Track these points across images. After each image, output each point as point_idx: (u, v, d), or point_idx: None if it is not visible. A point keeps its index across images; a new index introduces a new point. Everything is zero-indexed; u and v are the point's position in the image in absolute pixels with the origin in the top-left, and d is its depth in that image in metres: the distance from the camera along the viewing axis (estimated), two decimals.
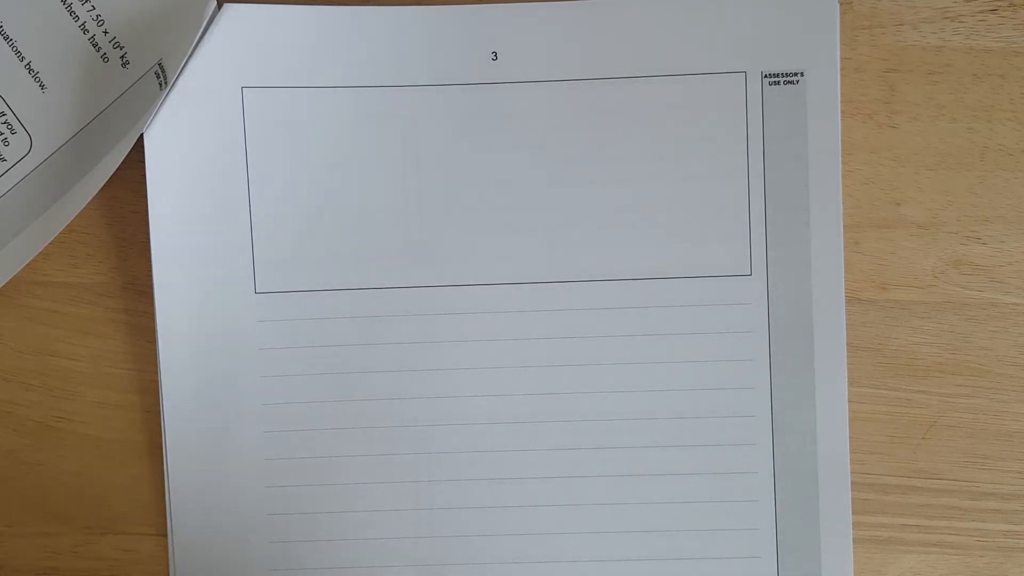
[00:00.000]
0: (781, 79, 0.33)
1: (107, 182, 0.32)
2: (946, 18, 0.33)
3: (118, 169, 0.32)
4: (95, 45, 0.32)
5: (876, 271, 0.34)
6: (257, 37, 0.32)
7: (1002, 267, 0.34)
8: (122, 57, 0.32)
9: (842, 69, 0.33)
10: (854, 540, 0.33)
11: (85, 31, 0.32)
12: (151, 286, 0.33)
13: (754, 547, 0.33)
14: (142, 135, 0.32)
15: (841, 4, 0.33)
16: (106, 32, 0.32)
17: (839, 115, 0.33)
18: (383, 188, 0.33)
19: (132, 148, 0.32)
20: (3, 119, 0.32)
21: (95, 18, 0.32)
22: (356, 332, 0.33)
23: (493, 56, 0.33)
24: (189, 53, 0.32)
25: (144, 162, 0.32)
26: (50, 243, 0.32)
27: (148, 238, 0.33)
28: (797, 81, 0.33)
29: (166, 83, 0.32)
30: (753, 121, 0.33)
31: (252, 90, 0.33)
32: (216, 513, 0.33)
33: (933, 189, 0.34)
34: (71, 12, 0.32)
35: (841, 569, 0.33)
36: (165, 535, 0.34)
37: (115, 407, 0.34)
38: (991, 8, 0.33)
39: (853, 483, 0.33)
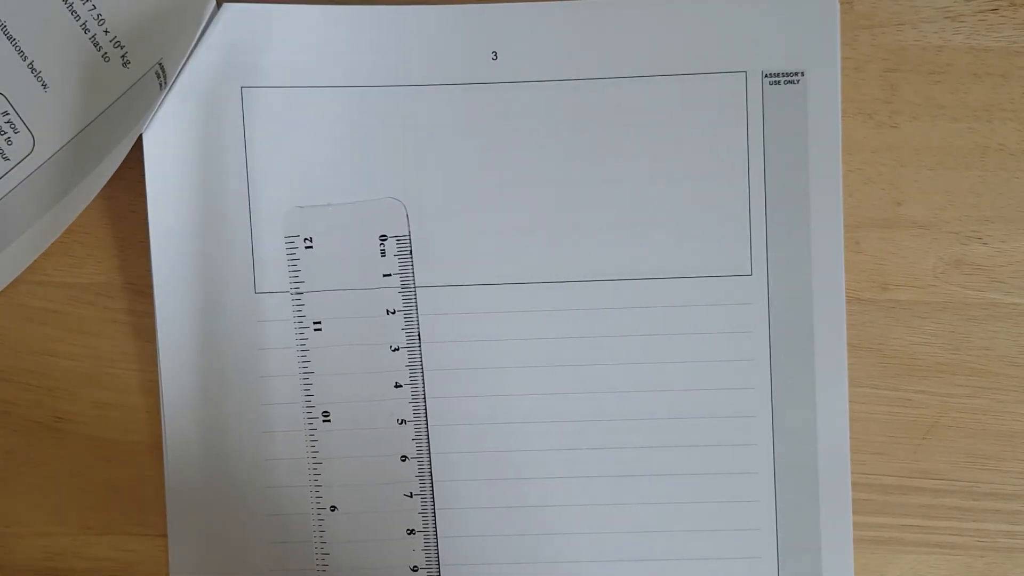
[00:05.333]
0: (781, 79, 0.33)
1: (107, 182, 0.32)
2: (947, 17, 0.33)
3: (118, 169, 0.32)
4: (96, 44, 0.32)
5: (876, 271, 0.34)
6: (256, 37, 0.32)
7: (1003, 267, 0.34)
8: (123, 56, 0.32)
9: (843, 68, 0.33)
10: (855, 540, 0.33)
11: (86, 30, 0.32)
12: (151, 286, 0.33)
13: (754, 547, 0.33)
14: (141, 135, 0.32)
15: (842, 3, 0.32)
16: (107, 31, 0.32)
17: (839, 115, 0.32)
18: (383, 188, 0.33)
19: (131, 147, 0.32)
20: (6, 118, 0.32)
21: (96, 17, 0.32)
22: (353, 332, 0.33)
23: (493, 56, 0.33)
24: (188, 53, 0.32)
25: (143, 161, 0.32)
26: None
27: (148, 238, 0.33)
28: (797, 81, 0.33)
29: (166, 83, 0.32)
30: (753, 121, 0.33)
31: (252, 90, 0.33)
32: (216, 513, 0.33)
33: (934, 189, 0.34)
34: (72, 11, 0.32)
35: (842, 569, 0.33)
36: (165, 535, 0.34)
37: (115, 407, 0.34)
38: (992, 8, 0.33)
39: (853, 483, 0.33)
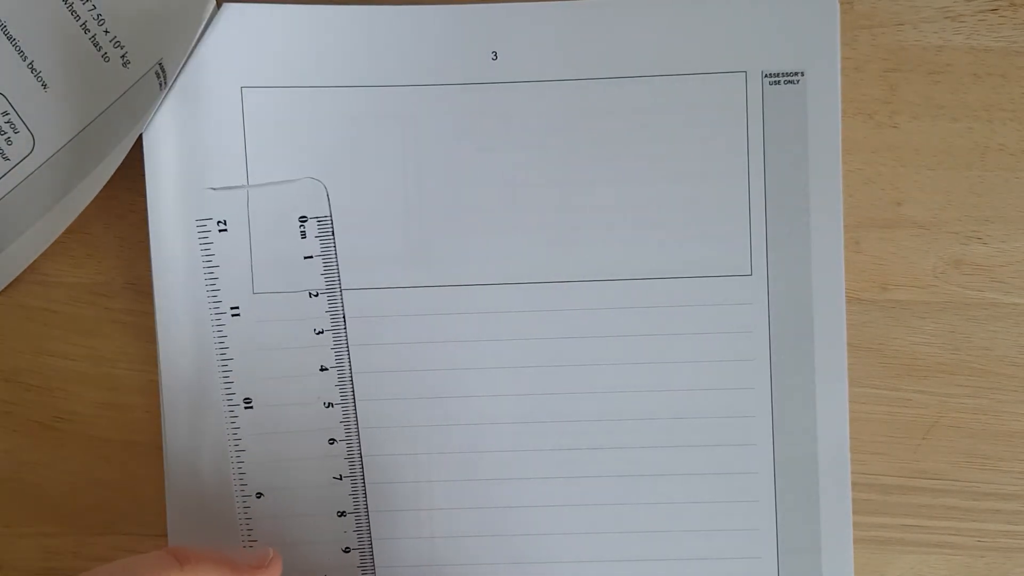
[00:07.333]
0: (781, 79, 0.33)
1: (107, 182, 0.32)
2: (947, 18, 0.33)
3: (118, 169, 0.32)
4: (96, 45, 0.32)
5: (876, 271, 0.34)
6: (256, 37, 0.32)
7: (1003, 267, 0.34)
8: (123, 57, 0.32)
9: (842, 69, 0.33)
10: (855, 540, 0.33)
11: (86, 30, 0.32)
12: (151, 286, 0.33)
13: (754, 547, 0.33)
14: (141, 135, 0.32)
15: (841, 3, 0.32)
16: (107, 31, 0.32)
17: (839, 115, 0.32)
18: (382, 188, 0.33)
19: (132, 147, 0.32)
20: (6, 118, 0.32)
21: (96, 17, 0.32)
22: (355, 333, 0.33)
23: (493, 56, 0.33)
24: (188, 53, 0.32)
25: (143, 161, 0.32)
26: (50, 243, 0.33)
27: (148, 238, 0.33)
28: (797, 81, 0.33)
29: (166, 83, 0.32)
30: (753, 121, 0.33)
31: (251, 90, 0.33)
32: (216, 514, 0.33)
33: (933, 189, 0.34)
34: (72, 11, 0.32)
35: (842, 569, 0.33)
36: (165, 535, 0.34)
37: (115, 407, 0.34)
38: (991, 8, 0.33)
39: (853, 483, 0.33)
